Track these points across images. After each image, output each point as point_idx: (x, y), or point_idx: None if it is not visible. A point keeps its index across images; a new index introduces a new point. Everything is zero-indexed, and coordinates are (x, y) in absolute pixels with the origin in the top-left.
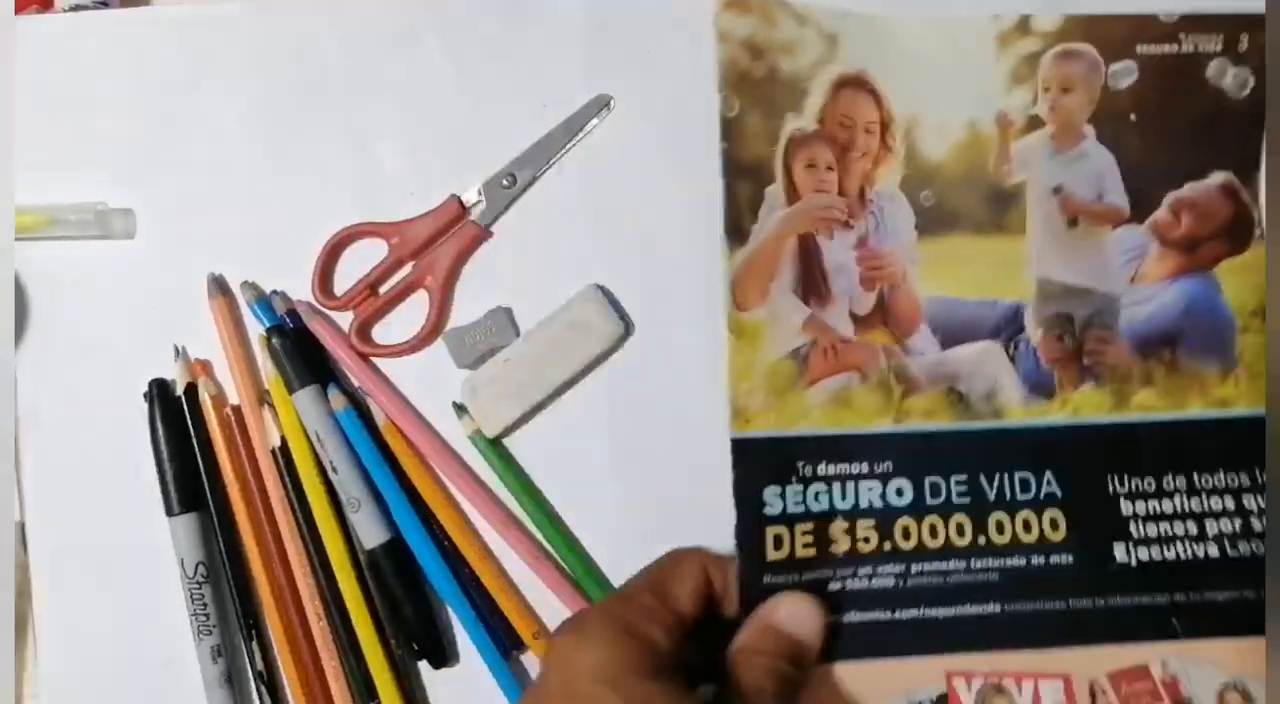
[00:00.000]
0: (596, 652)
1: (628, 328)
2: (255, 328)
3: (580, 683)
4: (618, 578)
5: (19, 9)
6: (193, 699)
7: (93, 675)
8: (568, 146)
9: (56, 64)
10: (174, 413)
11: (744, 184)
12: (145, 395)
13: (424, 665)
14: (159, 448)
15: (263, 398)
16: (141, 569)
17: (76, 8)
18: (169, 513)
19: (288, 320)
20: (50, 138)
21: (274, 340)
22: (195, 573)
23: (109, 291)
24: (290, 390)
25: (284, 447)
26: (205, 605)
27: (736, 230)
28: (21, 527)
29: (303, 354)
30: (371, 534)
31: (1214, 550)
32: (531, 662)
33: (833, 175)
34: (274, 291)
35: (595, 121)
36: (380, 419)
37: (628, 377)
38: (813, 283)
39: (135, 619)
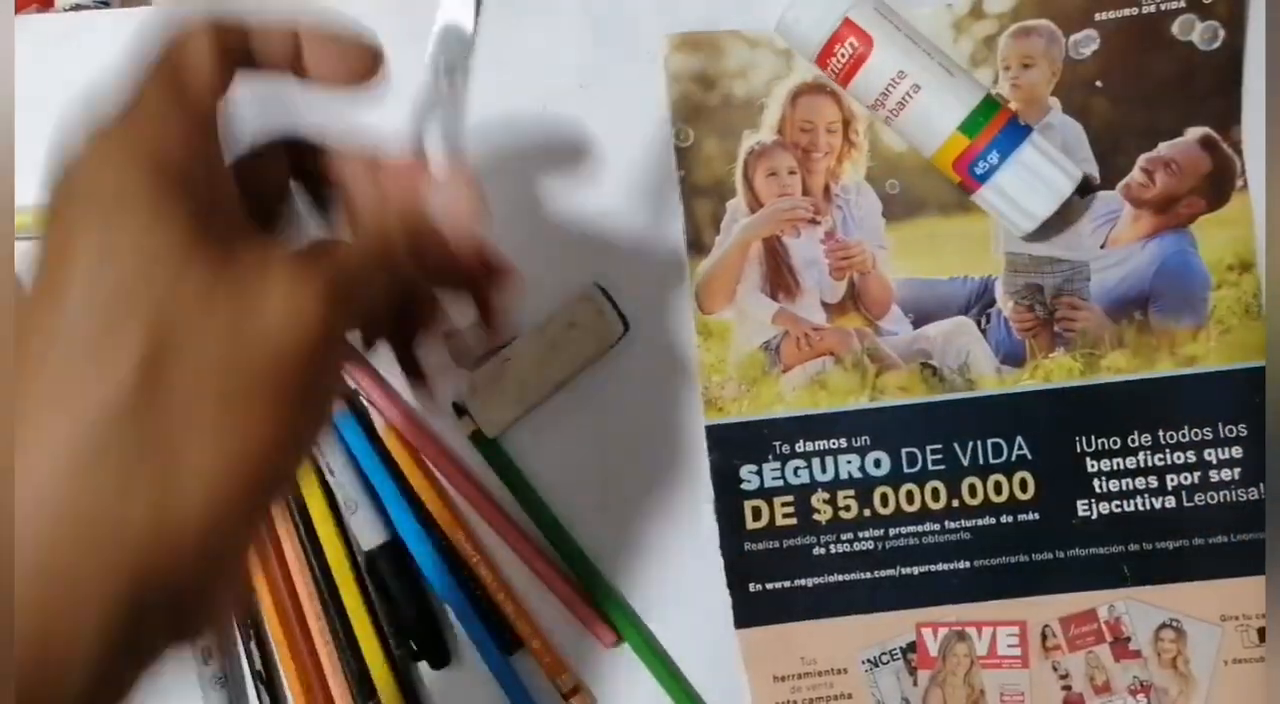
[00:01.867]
0: (104, 177)
1: (627, 328)
2: None
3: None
4: (618, 578)
5: (19, 9)
6: (193, 699)
7: None
8: None
9: (56, 64)
10: None
11: (704, 202)
12: None
13: (424, 665)
14: None
15: None
16: None
17: (76, 8)
18: None
19: None
20: (50, 138)
21: None
22: None
23: None
24: None
25: None
26: None
27: (697, 244)
28: None
29: None
30: (369, 536)
31: (1171, 502)
32: (531, 661)
33: (795, 178)
34: None
35: None
36: (379, 421)
37: (627, 377)
38: (781, 280)
39: None
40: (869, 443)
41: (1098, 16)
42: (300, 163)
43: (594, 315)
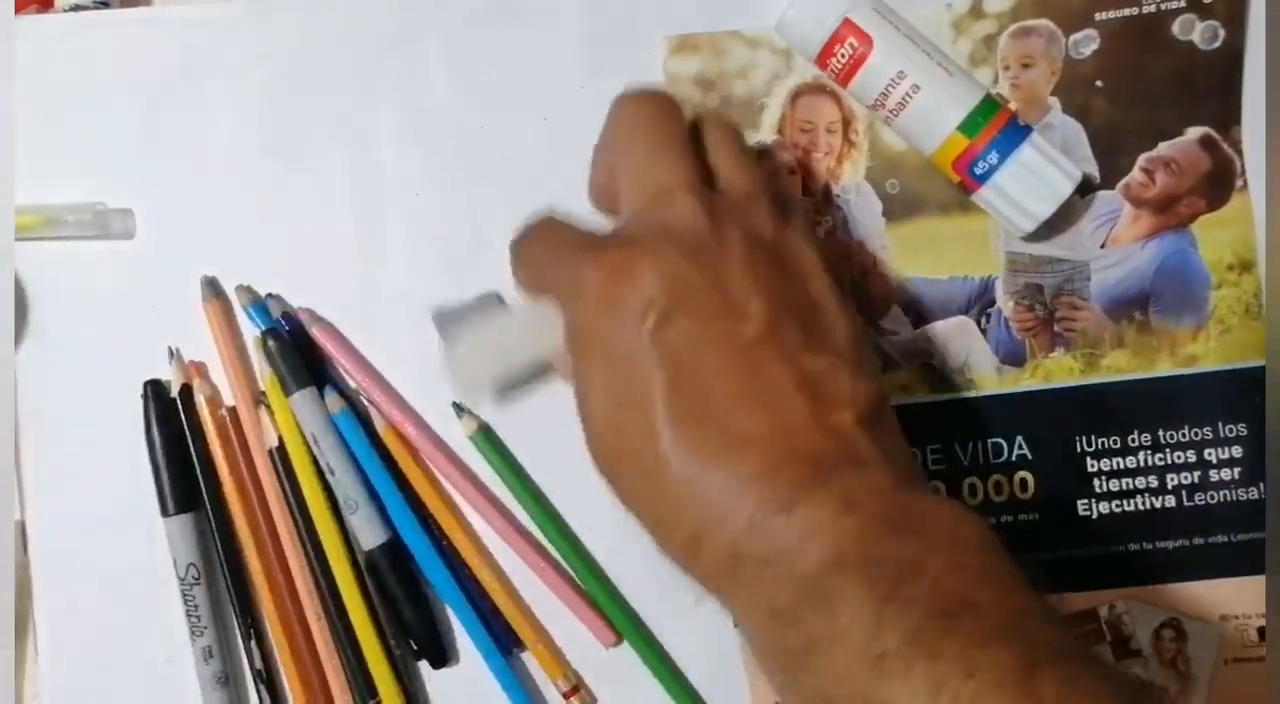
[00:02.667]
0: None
1: None
2: (251, 329)
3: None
4: (618, 577)
5: (19, 9)
6: (193, 699)
7: (93, 675)
8: None
9: (56, 64)
10: (169, 414)
11: None
12: (141, 396)
13: (424, 665)
14: (154, 449)
15: (259, 400)
16: (142, 568)
17: (76, 8)
18: (164, 513)
19: (283, 323)
20: (50, 138)
21: (270, 343)
22: (186, 574)
23: (109, 292)
24: (286, 393)
25: (281, 448)
26: (196, 606)
27: None
28: (22, 526)
29: (299, 356)
30: (370, 535)
31: (1171, 502)
32: (530, 661)
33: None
34: (269, 294)
35: None
36: (379, 421)
37: None
38: None
39: (135, 619)
40: None
41: (1098, 16)
42: None
43: None
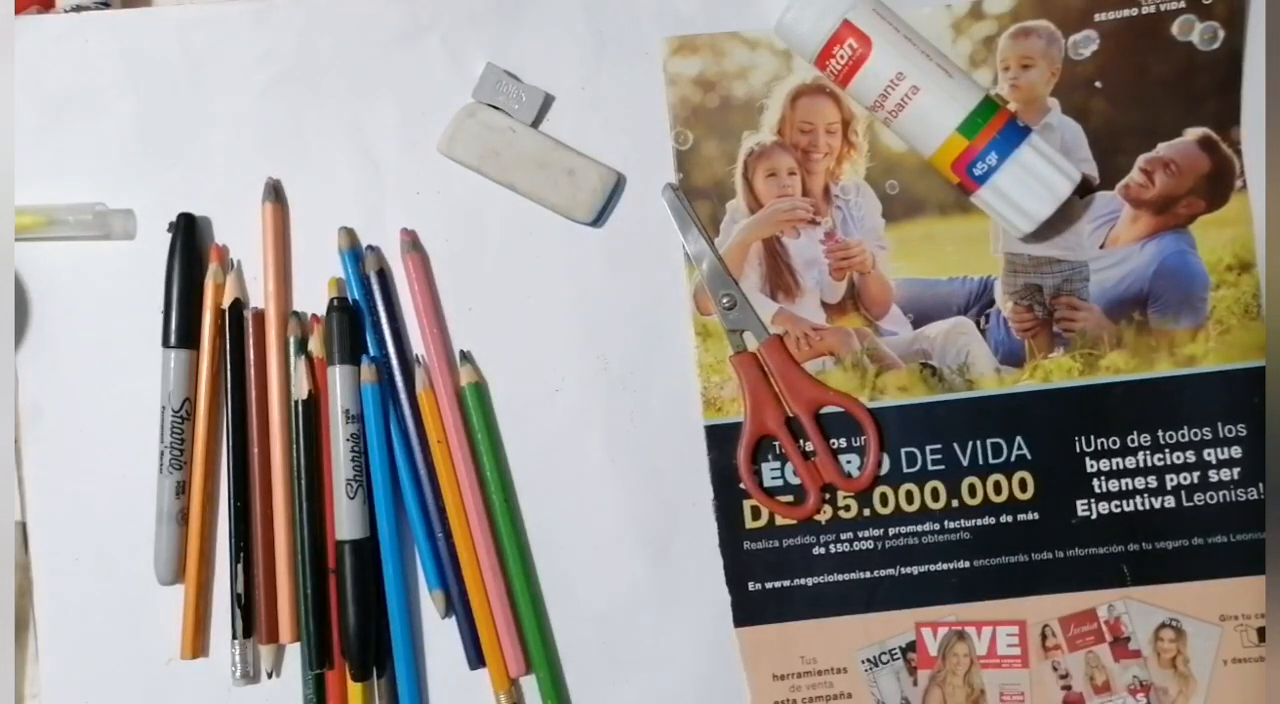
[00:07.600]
0: None
1: (595, 223)
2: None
3: None
4: (618, 576)
5: (19, 9)
6: (193, 699)
7: (93, 675)
8: None
9: (56, 64)
10: (191, 251)
11: (703, 203)
12: (169, 227)
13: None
14: (171, 281)
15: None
16: (141, 568)
17: (77, 8)
18: (165, 345)
19: (371, 278)
20: (50, 138)
21: (334, 317)
22: (181, 407)
23: (109, 291)
24: (329, 362)
25: (310, 403)
26: (181, 440)
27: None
28: (22, 527)
29: (356, 334)
30: (350, 527)
31: (1170, 502)
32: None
33: (795, 179)
34: (369, 247)
35: None
36: (420, 382)
37: (628, 376)
38: (780, 280)
39: (135, 619)
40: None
41: (1097, 17)
42: None
43: (589, 186)
